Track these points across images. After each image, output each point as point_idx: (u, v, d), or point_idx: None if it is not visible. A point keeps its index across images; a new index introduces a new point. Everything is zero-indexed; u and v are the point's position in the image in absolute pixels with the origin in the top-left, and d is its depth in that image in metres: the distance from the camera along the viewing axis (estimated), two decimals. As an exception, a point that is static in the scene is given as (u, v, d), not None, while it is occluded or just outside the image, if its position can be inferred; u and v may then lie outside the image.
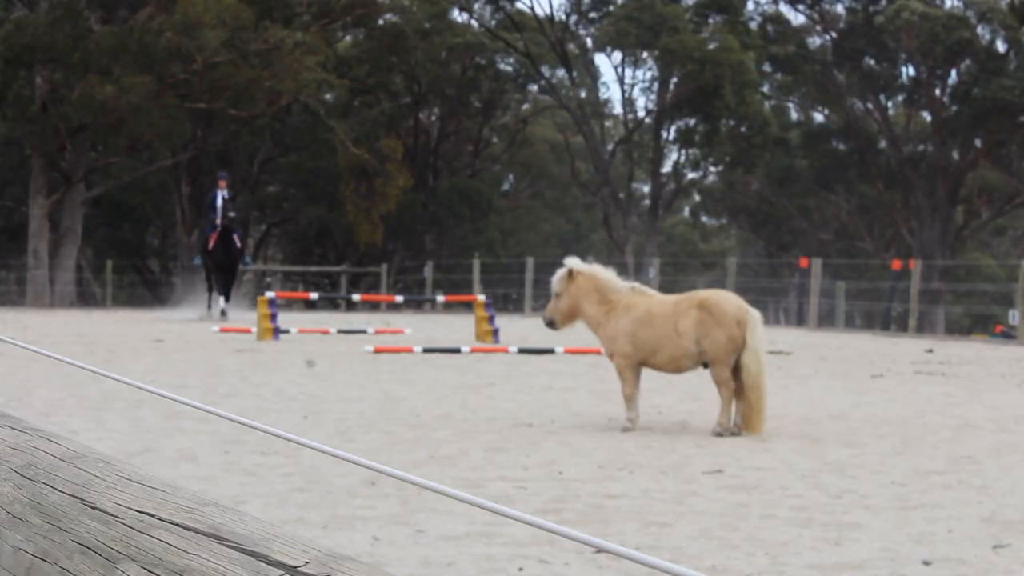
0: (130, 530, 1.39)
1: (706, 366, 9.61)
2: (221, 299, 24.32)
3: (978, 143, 43.63)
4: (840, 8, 45.32)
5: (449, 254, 43.66)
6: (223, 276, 24.30)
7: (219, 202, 23.77)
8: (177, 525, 1.35)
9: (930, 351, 19.80)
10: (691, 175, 50.46)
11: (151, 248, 49.67)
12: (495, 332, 19.66)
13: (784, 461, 8.09)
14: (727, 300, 9.52)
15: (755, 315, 9.47)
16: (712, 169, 49.91)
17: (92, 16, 34.27)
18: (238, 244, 24.17)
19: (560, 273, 10.02)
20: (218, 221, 23.80)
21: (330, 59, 36.72)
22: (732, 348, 9.33)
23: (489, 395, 11.85)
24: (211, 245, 23.97)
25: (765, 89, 47.49)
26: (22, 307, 32.88)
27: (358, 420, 9.76)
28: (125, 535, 1.39)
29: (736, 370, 9.39)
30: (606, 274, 9.88)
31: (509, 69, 46.85)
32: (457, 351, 17.17)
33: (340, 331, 20.91)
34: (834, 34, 44.94)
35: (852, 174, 46.59)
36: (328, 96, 39.81)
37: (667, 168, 47.79)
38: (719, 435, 9.22)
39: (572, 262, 10.02)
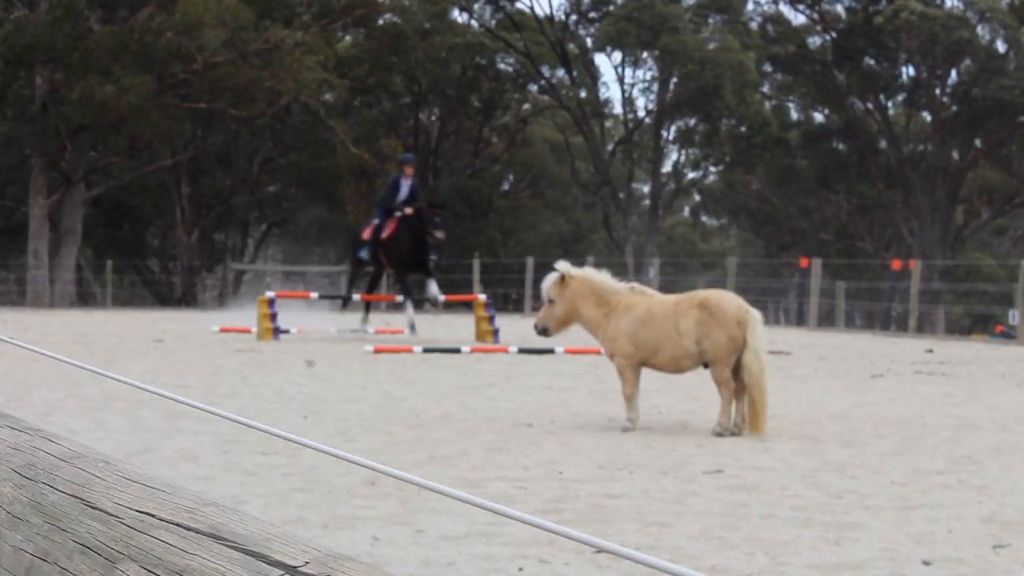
0: (130, 530, 1.39)
1: (706, 366, 9.60)
2: (409, 305, 19.74)
3: (978, 143, 43.64)
4: (840, 8, 45.32)
5: (449, 254, 43.67)
6: (409, 274, 19.59)
7: (407, 192, 19.10)
8: (177, 525, 1.35)
9: (930, 351, 19.80)
10: (691, 175, 50.50)
11: (151, 248, 49.69)
12: (495, 332, 19.66)
13: (784, 461, 8.09)
14: (727, 300, 9.50)
15: (755, 315, 9.46)
16: (712, 169, 49.95)
17: (92, 16, 34.27)
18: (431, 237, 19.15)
19: (552, 278, 9.89)
20: (394, 208, 18.98)
21: (330, 59, 36.73)
22: (733, 348, 9.32)
23: (489, 395, 11.85)
24: (388, 233, 18.99)
25: (765, 89, 47.51)
26: (22, 307, 32.88)
27: (358, 420, 9.75)
28: (125, 535, 1.39)
29: (736, 370, 9.39)
30: (600, 276, 9.82)
31: (509, 69, 46.85)
32: (457, 351, 17.17)
33: (340, 331, 20.91)
34: (834, 34, 44.94)
35: (852, 174, 46.60)
36: (328, 96, 39.83)
37: (667, 168, 47.83)
38: (719, 435, 9.22)
39: (562, 266, 9.94)
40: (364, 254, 19.51)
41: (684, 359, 9.51)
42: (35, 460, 1.71)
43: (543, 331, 9.99)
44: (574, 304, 9.75)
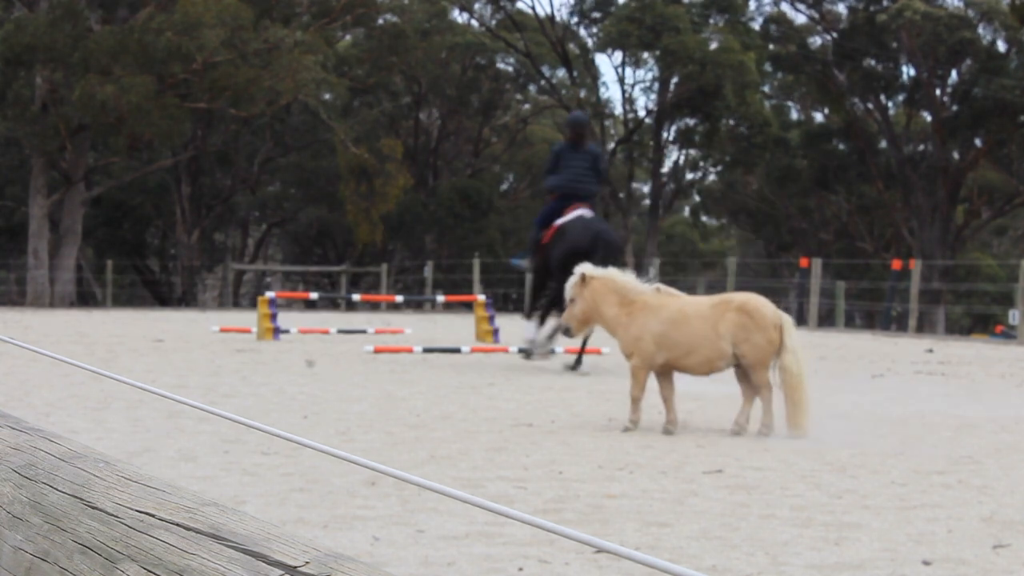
0: (130, 530, 1.39)
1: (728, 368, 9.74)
2: None
3: (978, 143, 43.64)
4: (841, 8, 45.33)
5: (449, 254, 43.67)
6: None
7: None
8: (177, 525, 1.35)
9: (930, 351, 19.80)
10: (691, 175, 50.48)
11: (151, 248, 49.70)
12: (495, 332, 19.67)
13: (784, 461, 8.09)
14: (765, 304, 9.63)
15: (788, 318, 9.63)
16: (712, 169, 49.94)
17: (92, 16, 34.28)
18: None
19: (573, 279, 10.07)
20: None
21: (330, 59, 36.74)
22: (772, 351, 9.44)
23: (489, 395, 11.85)
24: None
25: (765, 89, 47.51)
26: (22, 307, 32.88)
27: (358, 420, 9.75)
28: (125, 535, 1.39)
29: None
30: (623, 276, 9.91)
31: (509, 69, 46.86)
32: (457, 351, 17.17)
33: (340, 331, 20.92)
34: (835, 34, 44.94)
35: (852, 174, 46.60)
36: (328, 96, 39.83)
37: (667, 168, 47.81)
38: (764, 435, 9.33)
39: (584, 267, 10.07)
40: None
41: (719, 360, 9.58)
42: (35, 460, 1.71)
43: (566, 331, 10.16)
44: (594, 303, 9.83)
